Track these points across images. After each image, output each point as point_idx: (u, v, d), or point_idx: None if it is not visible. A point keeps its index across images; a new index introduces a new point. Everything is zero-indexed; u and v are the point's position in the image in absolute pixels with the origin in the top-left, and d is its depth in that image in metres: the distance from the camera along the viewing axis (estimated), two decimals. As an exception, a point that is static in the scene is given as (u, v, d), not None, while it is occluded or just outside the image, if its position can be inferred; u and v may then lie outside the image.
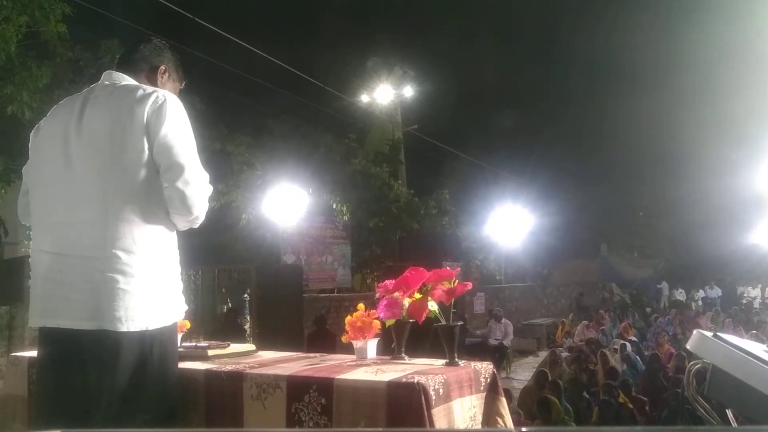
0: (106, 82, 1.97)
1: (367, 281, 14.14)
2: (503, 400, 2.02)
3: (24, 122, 5.91)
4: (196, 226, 1.95)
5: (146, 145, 1.80)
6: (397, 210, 13.84)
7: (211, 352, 2.28)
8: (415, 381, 1.68)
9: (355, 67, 17.13)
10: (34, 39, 6.97)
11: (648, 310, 19.65)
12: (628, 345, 9.91)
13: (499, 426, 1.98)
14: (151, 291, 1.79)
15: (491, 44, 24.46)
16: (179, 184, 1.80)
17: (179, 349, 2.11)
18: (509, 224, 17.91)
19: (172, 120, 1.82)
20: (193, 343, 2.42)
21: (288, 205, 10.43)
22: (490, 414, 1.98)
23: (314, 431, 1.76)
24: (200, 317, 8.89)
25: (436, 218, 14.50)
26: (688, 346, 1.35)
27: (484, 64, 22.73)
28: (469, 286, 2.05)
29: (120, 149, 1.80)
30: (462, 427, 1.79)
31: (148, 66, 2.06)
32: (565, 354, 9.92)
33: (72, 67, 7.71)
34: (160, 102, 1.82)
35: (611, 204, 25.69)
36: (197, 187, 1.85)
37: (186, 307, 1.97)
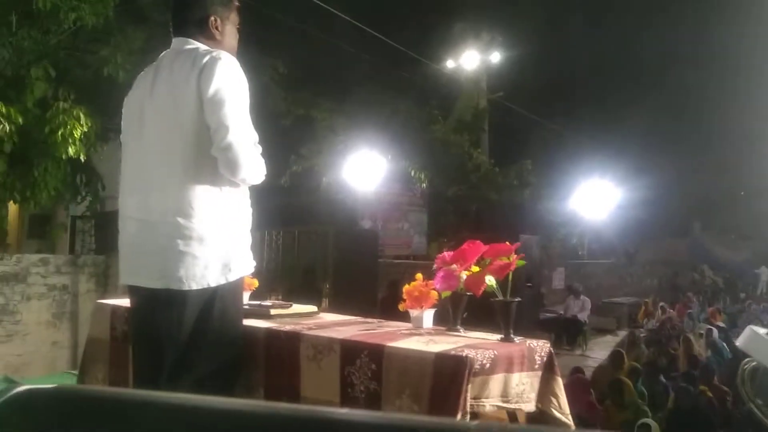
0: (173, 48, 2.06)
1: (443, 250, 14.11)
2: (559, 380, 1.99)
3: (118, 83, 6.25)
4: (258, 182, 1.98)
5: (200, 107, 1.87)
6: (477, 180, 13.61)
7: (273, 312, 2.36)
8: (464, 355, 1.67)
9: (441, 32, 16.79)
10: (130, 4, 7.30)
11: (742, 295, 18.49)
12: (715, 330, 9.40)
13: (552, 406, 1.95)
14: (209, 251, 1.89)
15: (584, 9, 23.23)
16: (223, 146, 1.85)
17: (245, 307, 2.20)
18: (595, 198, 17.20)
19: (221, 79, 1.86)
20: (258, 302, 2.51)
21: (367, 170, 10.50)
22: (545, 393, 1.95)
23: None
24: (279, 276, 9.22)
25: (516, 189, 14.14)
26: (737, 343, 1.25)
27: (575, 29, 21.69)
28: (515, 262, 1.94)
29: (180, 115, 1.90)
30: (500, 401, 1.78)
31: (197, 23, 2.03)
32: (644, 335, 9.56)
33: (165, 31, 8.00)
34: (210, 62, 1.88)
35: (708, 179, 24.08)
36: (241, 149, 1.87)
37: (254, 263, 2.05)
